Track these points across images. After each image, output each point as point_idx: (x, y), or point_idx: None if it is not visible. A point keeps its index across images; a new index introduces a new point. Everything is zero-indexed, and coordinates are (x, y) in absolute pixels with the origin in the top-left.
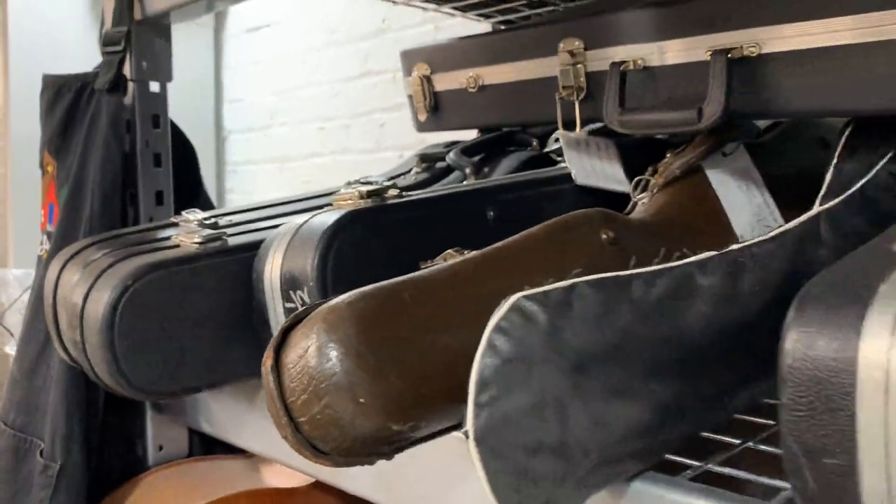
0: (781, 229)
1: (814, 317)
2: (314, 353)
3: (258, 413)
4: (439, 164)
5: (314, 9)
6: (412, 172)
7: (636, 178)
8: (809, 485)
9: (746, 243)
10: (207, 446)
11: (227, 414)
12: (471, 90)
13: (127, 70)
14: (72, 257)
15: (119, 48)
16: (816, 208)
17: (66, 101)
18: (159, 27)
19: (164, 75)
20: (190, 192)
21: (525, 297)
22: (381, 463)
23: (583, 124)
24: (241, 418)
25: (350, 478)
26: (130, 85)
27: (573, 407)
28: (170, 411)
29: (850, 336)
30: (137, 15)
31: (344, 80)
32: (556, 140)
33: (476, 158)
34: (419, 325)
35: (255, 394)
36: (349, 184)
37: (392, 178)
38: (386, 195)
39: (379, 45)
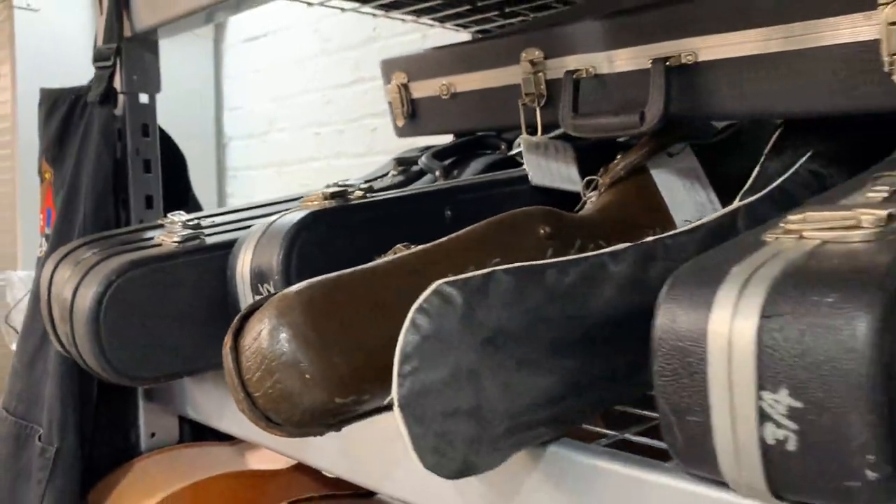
0: (698, 223)
1: (678, 295)
2: (266, 336)
3: None
4: (414, 168)
5: (308, 19)
6: (389, 175)
7: (586, 178)
8: (679, 441)
9: (661, 236)
10: (197, 433)
11: (212, 402)
12: (444, 97)
13: (117, 83)
14: (64, 257)
15: (109, 63)
16: (736, 203)
17: (62, 112)
18: (147, 42)
19: (153, 87)
20: (179, 196)
21: (446, 282)
22: (358, 445)
23: (544, 129)
24: (225, 405)
25: (330, 460)
26: (121, 97)
27: (485, 378)
28: (161, 400)
29: (703, 310)
30: (127, 32)
31: (337, 87)
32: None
33: (447, 162)
34: (361, 310)
35: None
36: (327, 187)
37: (369, 180)
38: (349, 196)
39: (369, 54)
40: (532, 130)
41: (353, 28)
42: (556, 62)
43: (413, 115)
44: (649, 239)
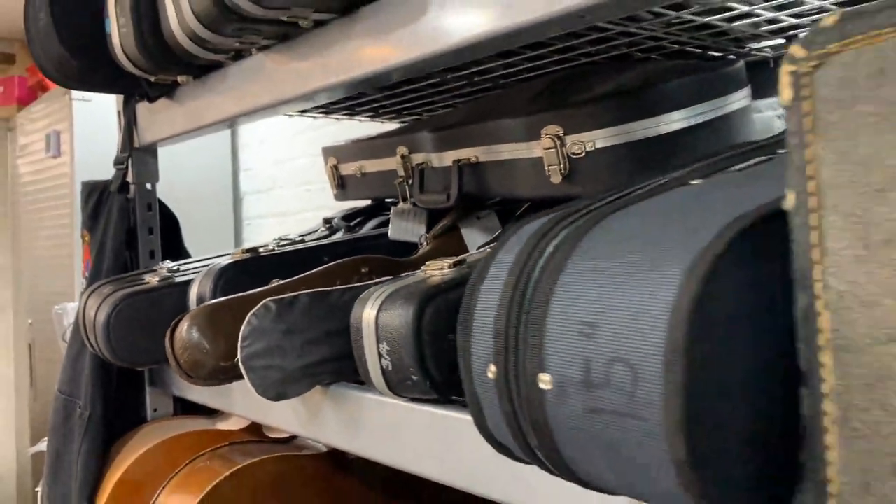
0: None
1: (363, 299)
2: (185, 330)
3: None
4: (334, 224)
5: None
6: (318, 231)
7: (421, 235)
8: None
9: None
10: (186, 409)
11: (194, 387)
12: (358, 175)
13: (130, 177)
14: (93, 291)
15: (123, 165)
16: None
17: (94, 197)
18: (150, 150)
19: (154, 178)
20: (173, 248)
21: (270, 299)
22: (299, 407)
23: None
24: (201, 388)
25: (284, 419)
26: (132, 186)
27: (286, 349)
28: (160, 385)
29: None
30: (136, 143)
31: (320, 154)
32: None
33: (354, 222)
34: (236, 317)
35: None
36: (274, 240)
37: (302, 234)
38: (260, 251)
39: (342, 129)
40: (405, 200)
41: None
42: (415, 156)
43: (342, 186)
44: (404, 274)
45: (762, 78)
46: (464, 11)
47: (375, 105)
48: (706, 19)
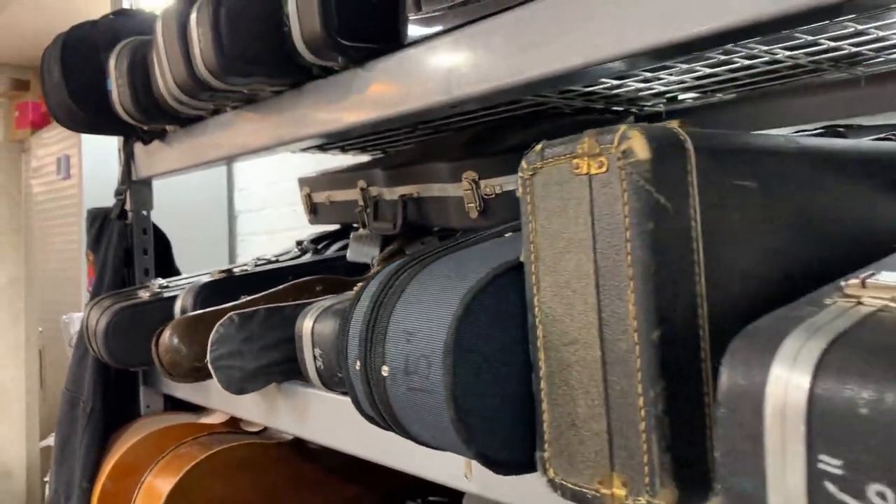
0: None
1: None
2: (167, 337)
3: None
4: (304, 246)
5: None
6: (291, 252)
7: (373, 257)
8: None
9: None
10: (175, 406)
11: (180, 386)
12: (326, 203)
13: (127, 206)
14: (95, 304)
15: (122, 196)
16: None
17: (98, 222)
18: (145, 183)
19: (149, 206)
20: (165, 267)
21: (235, 313)
22: (260, 401)
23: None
24: (185, 387)
25: (247, 411)
26: (129, 213)
27: (245, 353)
28: (153, 385)
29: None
30: (134, 177)
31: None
32: None
33: (321, 245)
34: (209, 326)
35: None
36: (253, 259)
37: (277, 255)
38: (234, 271)
39: (325, 156)
40: (364, 226)
41: None
42: (372, 189)
43: (314, 212)
44: (349, 292)
45: None
46: (380, 93)
47: (342, 144)
48: (591, 88)
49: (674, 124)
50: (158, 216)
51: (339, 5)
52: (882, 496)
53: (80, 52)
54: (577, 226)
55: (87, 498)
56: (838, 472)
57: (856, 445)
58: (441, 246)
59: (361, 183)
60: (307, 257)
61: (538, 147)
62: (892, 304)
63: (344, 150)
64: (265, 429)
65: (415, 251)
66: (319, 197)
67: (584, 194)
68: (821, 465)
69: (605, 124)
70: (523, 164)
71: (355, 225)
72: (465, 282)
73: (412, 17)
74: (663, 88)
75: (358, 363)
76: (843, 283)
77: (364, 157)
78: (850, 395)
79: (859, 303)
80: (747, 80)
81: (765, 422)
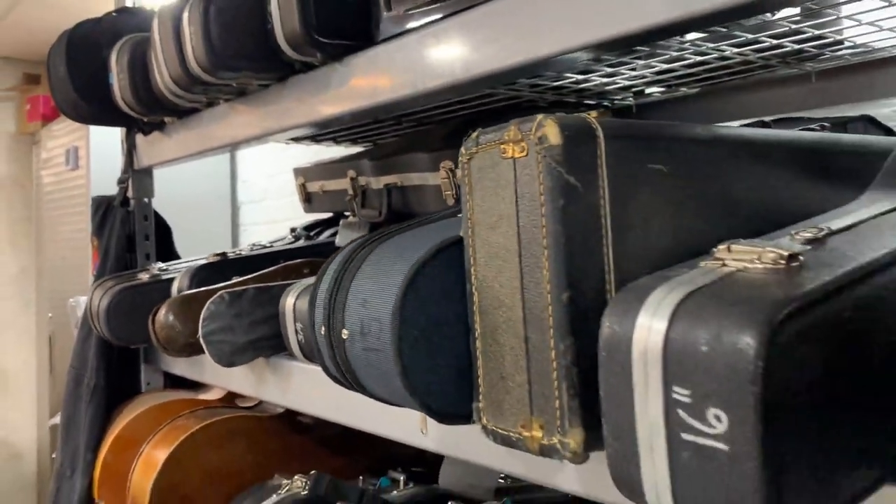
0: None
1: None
2: (162, 314)
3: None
4: (297, 233)
5: None
6: (285, 239)
7: None
8: None
9: None
10: (174, 383)
11: (178, 363)
12: (320, 193)
13: (130, 193)
14: (98, 286)
15: (125, 184)
16: None
17: (102, 210)
18: (147, 172)
19: (150, 194)
20: (165, 252)
21: (225, 291)
22: (249, 374)
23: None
24: (183, 363)
25: (238, 384)
26: (131, 200)
27: (235, 327)
28: (153, 362)
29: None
30: (135, 166)
31: None
32: None
33: (313, 232)
34: (203, 303)
35: None
36: (249, 245)
37: (272, 242)
38: (228, 255)
39: (321, 148)
40: (354, 214)
41: None
42: (360, 178)
43: (308, 201)
44: None
45: None
46: (355, 86)
47: (334, 135)
48: (559, 82)
49: (592, 114)
50: (166, 207)
51: (317, 4)
52: (718, 418)
53: (84, 49)
54: (505, 203)
55: (90, 469)
56: (687, 400)
57: (698, 377)
58: (399, 226)
59: (351, 173)
60: (299, 243)
61: (474, 134)
62: (749, 266)
63: (337, 141)
64: (259, 403)
65: (377, 231)
66: (313, 186)
67: (510, 176)
68: (674, 396)
69: None
70: (462, 149)
71: (346, 213)
72: (415, 254)
73: (385, 15)
74: (628, 83)
75: (323, 328)
76: (714, 249)
77: (356, 149)
78: (694, 336)
79: (724, 264)
80: (704, 75)
81: (633, 362)
